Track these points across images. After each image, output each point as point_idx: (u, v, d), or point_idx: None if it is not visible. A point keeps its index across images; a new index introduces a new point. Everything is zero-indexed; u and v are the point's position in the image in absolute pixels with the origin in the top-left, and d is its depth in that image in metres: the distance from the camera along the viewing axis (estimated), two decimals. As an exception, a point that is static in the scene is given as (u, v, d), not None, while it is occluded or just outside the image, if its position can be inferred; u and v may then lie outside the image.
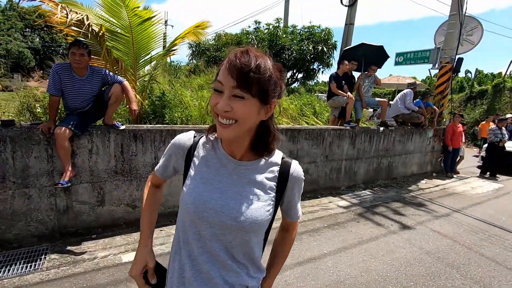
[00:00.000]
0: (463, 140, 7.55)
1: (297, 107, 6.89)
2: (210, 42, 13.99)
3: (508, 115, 9.68)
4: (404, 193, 5.43)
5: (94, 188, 3.03)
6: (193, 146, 0.85)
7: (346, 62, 5.11)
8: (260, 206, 0.78)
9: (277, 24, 10.96)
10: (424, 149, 6.97)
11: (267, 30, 11.36)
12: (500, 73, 16.10)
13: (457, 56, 7.12)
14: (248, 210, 0.76)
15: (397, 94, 6.90)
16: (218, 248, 0.78)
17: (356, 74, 5.84)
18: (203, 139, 0.87)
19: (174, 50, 3.85)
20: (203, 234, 0.78)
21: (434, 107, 6.94)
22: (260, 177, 0.81)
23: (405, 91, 6.27)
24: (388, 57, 5.70)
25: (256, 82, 0.67)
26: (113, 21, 3.44)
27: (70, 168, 2.70)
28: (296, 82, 12.71)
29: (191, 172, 0.83)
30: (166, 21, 22.11)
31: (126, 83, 2.94)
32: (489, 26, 23.56)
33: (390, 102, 7.47)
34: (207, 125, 3.77)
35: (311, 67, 11.40)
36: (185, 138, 0.87)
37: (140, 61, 3.69)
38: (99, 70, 2.85)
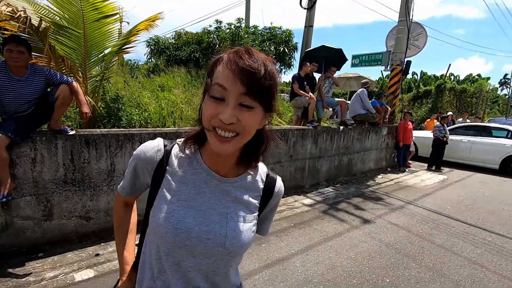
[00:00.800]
0: (413, 137, 8.20)
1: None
2: (170, 41, 13.49)
3: (449, 113, 10.75)
4: (363, 188, 5.72)
5: (39, 201, 2.71)
6: (165, 159, 0.70)
7: (308, 63, 5.24)
8: (246, 228, 0.70)
9: (238, 24, 10.91)
10: (380, 146, 7.43)
11: (228, 29, 11.25)
12: (442, 75, 17.89)
13: (406, 59, 7.71)
14: (235, 234, 0.68)
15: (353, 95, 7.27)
16: (199, 279, 0.69)
17: (317, 75, 6.02)
18: (176, 149, 0.72)
19: (130, 48, 3.61)
20: (183, 265, 0.67)
21: (387, 106, 7.44)
22: (245, 195, 0.72)
23: (359, 90, 6.62)
24: (346, 59, 5.98)
25: (268, 90, 0.58)
26: (61, 14, 3.09)
27: (8, 181, 2.38)
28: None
29: (165, 191, 0.68)
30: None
31: (74, 83, 2.67)
32: (431, 32, 26.00)
33: (348, 102, 7.86)
34: (169, 128, 3.60)
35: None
36: (153, 149, 0.71)
37: (91, 60, 3.39)
38: (41, 69, 2.55)
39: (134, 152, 0.74)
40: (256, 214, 0.74)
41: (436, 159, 8.14)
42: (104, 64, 3.55)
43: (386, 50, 8.24)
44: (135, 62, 14.99)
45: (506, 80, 23.13)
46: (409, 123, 7.76)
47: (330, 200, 4.84)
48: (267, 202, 0.77)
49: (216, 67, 0.60)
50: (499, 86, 18.35)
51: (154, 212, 0.68)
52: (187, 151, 0.72)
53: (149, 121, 3.49)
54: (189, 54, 11.77)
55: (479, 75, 19.38)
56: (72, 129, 2.82)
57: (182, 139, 0.74)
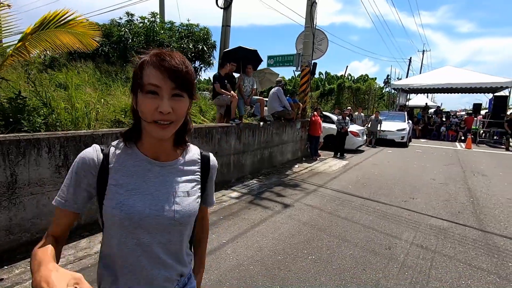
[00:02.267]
0: (321, 130, 9.41)
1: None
2: (69, 31, 11.81)
3: (348, 108, 12.69)
4: (283, 178, 6.34)
5: None
6: (105, 160, 0.79)
7: (228, 64, 5.47)
8: (191, 201, 0.84)
9: (153, 18, 10.37)
10: (295, 138, 8.28)
11: (142, 24, 10.59)
12: (341, 75, 20.80)
13: (313, 61, 8.76)
14: (181, 207, 0.81)
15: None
16: (157, 251, 0.79)
17: (236, 75, 6.33)
18: (112, 149, 0.82)
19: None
20: (143, 242, 0.77)
21: (299, 103, 8.32)
22: (185, 174, 0.86)
23: (275, 89, 7.24)
24: (261, 60, 6.47)
25: (191, 82, 0.73)
26: None
27: None
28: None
29: (112, 187, 0.77)
30: (-1, -1, 17.10)
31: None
32: (331, 37, 29.68)
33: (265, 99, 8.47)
34: (83, 131, 3.31)
35: (193, 65, 11.45)
36: (92, 155, 0.79)
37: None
38: None
39: (75, 162, 0.79)
40: (197, 187, 0.88)
41: (340, 148, 9.55)
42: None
43: (296, 52, 9.17)
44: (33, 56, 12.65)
45: (388, 80, 28.38)
46: (318, 117, 8.87)
47: (255, 191, 5.22)
48: (207, 175, 0.93)
49: (144, 69, 0.71)
50: (384, 85, 22.53)
51: (106, 208, 0.76)
52: (124, 148, 0.82)
53: (58, 123, 3.12)
54: (96, 48, 10.59)
55: (367, 76, 23.39)
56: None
57: (116, 141, 0.84)
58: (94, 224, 3.38)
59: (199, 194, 0.89)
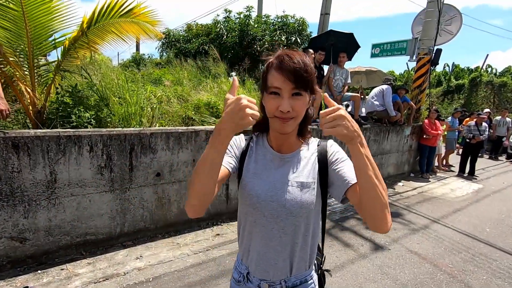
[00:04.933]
0: (441, 137, 7.13)
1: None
2: (180, 34, 13.05)
3: (486, 110, 9.42)
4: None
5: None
6: (246, 146, 0.98)
7: (311, 50, 4.40)
8: (304, 192, 0.89)
9: (247, 12, 10.13)
10: (401, 148, 6.45)
11: (238, 19, 10.52)
12: (477, 67, 16.09)
13: (435, 47, 6.62)
14: (293, 197, 0.89)
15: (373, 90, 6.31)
16: (270, 235, 0.92)
17: (326, 67, 5.16)
18: (253, 139, 1.00)
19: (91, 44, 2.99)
20: (259, 222, 0.92)
21: (411, 102, 6.42)
22: (302, 165, 0.93)
23: (383, 87, 5.68)
24: (359, 46, 5.06)
25: (309, 79, 0.80)
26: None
27: None
28: (271, 76, 12.00)
29: (245, 169, 0.94)
30: None
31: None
32: (465, 19, 23.78)
33: (365, 97, 6.90)
34: (130, 129, 2.97)
35: (286, 60, 10.74)
36: (241, 140, 1.00)
37: (38, 46, 2.81)
38: None
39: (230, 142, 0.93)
40: (314, 180, 0.91)
41: (470, 164, 7.02)
42: (62, 51, 2.95)
43: (412, 37, 7.16)
44: (149, 56, 14.75)
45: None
46: (436, 121, 6.69)
47: (336, 215, 4.04)
48: (326, 161, 0.92)
49: (268, 71, 0.83)
50: None
51: (240, 185, 0.96)
52: (257, 139, 1.00)
53: (108, 119, 2.87)
54: (198, 46, 11.22)
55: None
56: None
57: (257, 133, 1.01)
58: (139, 233, 3.03)
59: (314, 187, 0.91)
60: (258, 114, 0.69)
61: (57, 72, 2.98)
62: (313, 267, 1.01)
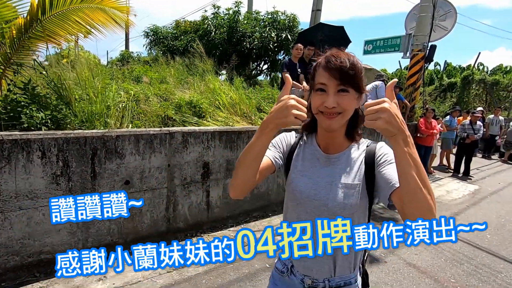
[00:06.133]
0: (437, 137, 6.92)
1: (253, 102, 5.84)
2: (168, 30, 12.63)
3: (479, 108, 9.27)
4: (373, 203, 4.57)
5: None
6: (295, 144, 1.01)
7: (300, 45, 4.09)
8: (347, 193, 0.89)
9: (236, 8, 9.77)
10: (396, 148, 6.19)
11: (226, 15, 10.15)
12: (469, 66, 16.02)
13: (430, 44, 6.39)
14: (336, 197, 0.89)
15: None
16: None
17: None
18: (303, 137, 1.02)
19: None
20: (301, 218, 0.92)
21: (405, 101, 6.18)
22: (348, 167, 0.92)
23: (376, 83, 5.42)
24: (350, 41, 4.77)
25: (354, 76, 0.81)
26: None
27: None
28: (262, 75, 11.67)
29: (292, 166, 0.98)
30: None
31: None
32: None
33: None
34: (93, 131, 2.60)
35: (277, 57, 10.40)
36: (290, 136, 1.03)
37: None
38: None
39: (278, 136, 1.01)
40: (359, 182, 0.90)
41: (465, 163, 6.83)
42: (9, 42, 2.57)
43: (406, 33, 6.93)
44: (138, 54, 14.25)
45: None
46: (432, 120, 6.47)
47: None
48: (373, 163, 0.89)
49: (316, 71, 0.86)
50: None
51: (286, 181, 1.00)
52: (306, 138, 1.02)
53: (67, 120, 2.50)
54: (186, 43, 10.84)
55: (510, 66, 17.34)
56: None
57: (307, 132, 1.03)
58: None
59: (358, 189, 0.89)
60: (304, 115, 0.73)
61: (7, 66, 2.59)
62: (358, 269, 1.00)
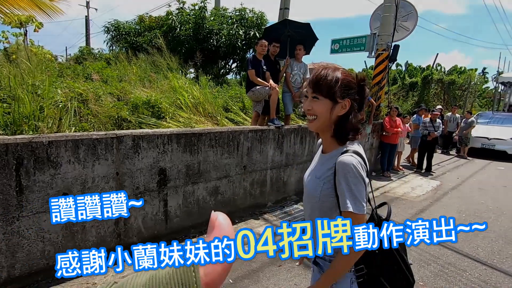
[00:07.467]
0: (404, 135, 7.10)
1: (220, 101, 5.57)
2: (131, 26, 11.89)
3: (438, 107, 9.75)
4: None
5: None
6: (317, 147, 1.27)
7: (264, 41, 3.90)
8: (314, 182, 1.10)
9: (202, 4, 9.39)
10: (363, 146, 6.24)
11: (192, 11, 9.73)
12: (428, 66, 16.94)
13: (393, 44, 6.53)
14: (310, 184, 1.13)
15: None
16: (307, 214, 1.17)
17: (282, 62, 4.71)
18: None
19: None
20: (304, 203, 1.20)
21: (372, 100, 6.25)
22: (325, 164, 1.09)
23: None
24: (316, 39, 4.67)
25: (324, 86, 1.00)
26: None
27: None
28: (231, 73, 11.38)
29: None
30: None
31: None
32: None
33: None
34: (20, 136, 2.20)
35: (246, 55, 10.19)
36: (319, 144, 1.25)
37: None
38: None
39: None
40: (326, 177, 1.06)
41: (427, 160, 7.08)
42: None
43: (371, 33, 7.03)
44: (99, 50, 13.25)
45: (485, 73, 22.81)
46: (397, 118, 6.61)
47: (296, 226, 3.58)
48: (335, 174, 1.03)
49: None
50: (493, 81, 17.34)
51: None
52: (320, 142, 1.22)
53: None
54: (150, 40, 10.24)
55: (464, 68, 18.62)
56: None
57: None
58: (40, 274, 2.26)
59: (322, 183, 1.07)
60: None
61: None
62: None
